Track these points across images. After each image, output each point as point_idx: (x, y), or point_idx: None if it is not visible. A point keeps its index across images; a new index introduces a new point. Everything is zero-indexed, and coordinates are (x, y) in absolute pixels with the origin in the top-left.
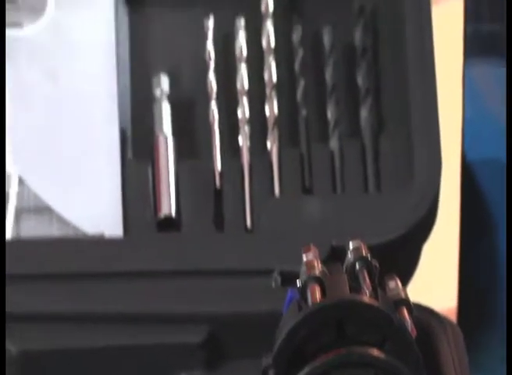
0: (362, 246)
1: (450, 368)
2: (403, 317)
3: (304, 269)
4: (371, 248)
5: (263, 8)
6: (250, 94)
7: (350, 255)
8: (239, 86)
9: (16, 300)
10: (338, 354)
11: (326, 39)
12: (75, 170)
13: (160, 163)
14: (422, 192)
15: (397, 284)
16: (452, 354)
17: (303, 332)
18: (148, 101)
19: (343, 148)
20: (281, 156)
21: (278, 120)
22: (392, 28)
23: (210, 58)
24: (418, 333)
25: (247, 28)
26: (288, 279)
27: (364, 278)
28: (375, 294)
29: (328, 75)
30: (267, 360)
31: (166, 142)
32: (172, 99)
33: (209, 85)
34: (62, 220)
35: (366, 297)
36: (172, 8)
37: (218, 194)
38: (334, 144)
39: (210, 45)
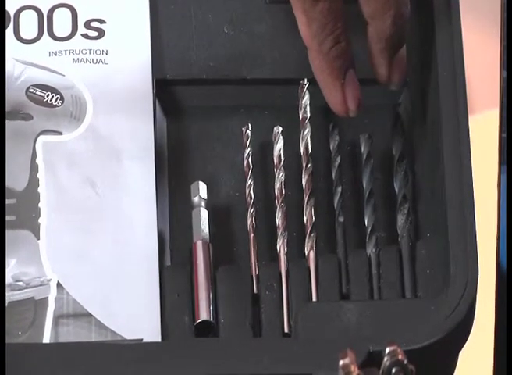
0: (399, 351)
1: None
2: None
3: (340, 373)
4: (407, 353)
5: (300, 115)
6: (287, 200)
7: (386, 360)
8: (276, 192)
9: None
10: None
11: (363, 146)
12: (114, 276)
13: (198, 269)
14: (459, 298)
15: None
16: None
17: None
18: (186, 208)
19: (380, 254)
20: (318, 262)
21: (315, 226)
22: (428, 136)
23: (248, 165)
24: None
25: (285, 135)
26: None
27: None
28: None
29: (365, 182)
30: None
31: (204, 248)
32: (209, 206)
33: (247, 192)
34: (100, 325)
35: None
36: (210, 115)
37: (255, 299)
38: (371, 250)
39: (248, 153)
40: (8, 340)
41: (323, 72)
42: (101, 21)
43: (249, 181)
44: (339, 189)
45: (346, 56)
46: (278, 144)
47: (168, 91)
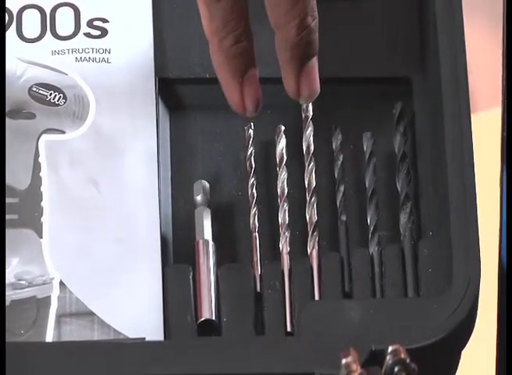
0: (401, 350)
1: None
2: None
3: (343, 372)
4: (409, 352)
5: (303, 114)
6: (290, 199)
7: (388, 359)
8: (279, 191)
9: None
10: None
11: (365, 145)
12: (116, 275)
13: (201, 268)
14: (461, 297)
15: None
16: None
17: None
18: (189, 207)
19: (383, 253)
20: (321, 260)
21: (318, 225)
22: (431, 135)
23: (250, 164)
24: None
25: (287, 134)
26: None
27: None
28: None
29: (368, 180)
30: None
31: (207, 247)
32: (212, 205)
33: (250, 191)
34: (103, 324)
35: None
36: (213, 115)
37: (258, 297)
38: (373, 248)
39: (250, 152)
40: (10, 339)
41: (222, 68)
42: (104, 20)
43: (251, 180)
44: (342, 188)
45: (246, 55)
46: (280, 143)
47: (170, 90)
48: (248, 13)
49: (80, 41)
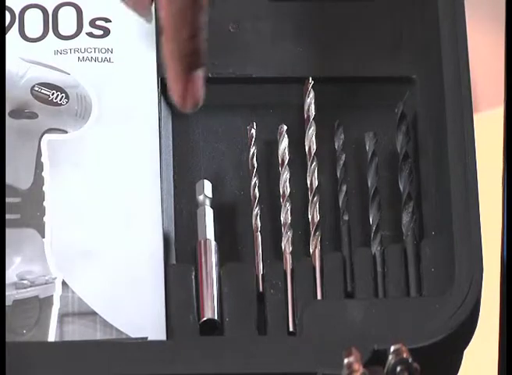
0: (403, 349)
1: None
2: None
3: (345, 372)
4: (412, 352)
5: (305, 114)
6: (292, 198)
7: (391, 358)
8: (281, 191)
9: None
10: None
11: (368, 145)
12: (119, 275)
13: (203, 267)
14: (463, 297)
15: None
16: None
17: None
18: (191, 206)
19: (385, 253)
20: (323, 260)
21: (320, 225)
22: (433, 134)
23: (253, 164)
24: None
25: (290, 134)
26: None
27: None
28: None
29: (370, 180)
30: None
31: (209, 247)
32: (214, 204)
33: (252, 190)
34: (105, 324)
35: None
36: (215, 114)
37: (260, 297)
38: (376, 248)
39: (253, 151)
40: (12, 338)
41: (173, 59)
42: (107, 20)
43: (254, 180)
44: (344, 187)
45: (198, 54)
46: (283, 143)
47: None
48: (205, 11)
49: (83, 40)
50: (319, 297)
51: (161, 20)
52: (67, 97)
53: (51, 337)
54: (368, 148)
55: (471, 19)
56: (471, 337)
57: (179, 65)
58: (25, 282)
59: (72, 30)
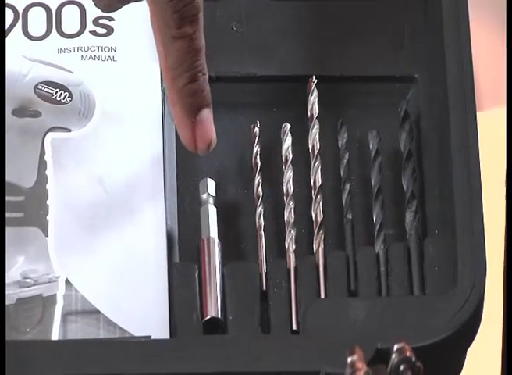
0: (407, 348)
1: None
2: None
3: (348, 370)
4: (415, 351)
5: (309, 113)
6: (296, 197)
7: (394, 357)
8: (285, 189)
9: None
10: None
11: (371, 143)
12: (122, 273)
13: (206, 266)
14: (467, 295)
15: None
16: None
17: None
18: (195, 205)
19: (388, 251)
20: (327, 259)
21: (323, 223)
22: (436, 133)
23: (256, 163)
24: None
25: (293, 132)
26: None
27: None
28: None
29: (374, 179)
30: None
31: (213, 245)
32: (218, 203)
33: (255, 189)
34: (109, 322)
35: None
36: (219, 113)
37: (264, 296)
38: (379, 247)
39: (256, 150)
40: (16, 337)
41: (176, 106)
42: (110, 18)
43: (257, 178)
44: (348, 186)
45: (200, 95)
46: (286, 142)
47: None
48: (204, 51)
49: (86, 39)
50: (323, 295)
51: (161, 68)
52: (70, 95)
53: (55, 335)
54: (371, 146)
55: (474, 18)
56: (474, 336)
57: (182, 110)
58: (28, 280)
59: (76, 28)
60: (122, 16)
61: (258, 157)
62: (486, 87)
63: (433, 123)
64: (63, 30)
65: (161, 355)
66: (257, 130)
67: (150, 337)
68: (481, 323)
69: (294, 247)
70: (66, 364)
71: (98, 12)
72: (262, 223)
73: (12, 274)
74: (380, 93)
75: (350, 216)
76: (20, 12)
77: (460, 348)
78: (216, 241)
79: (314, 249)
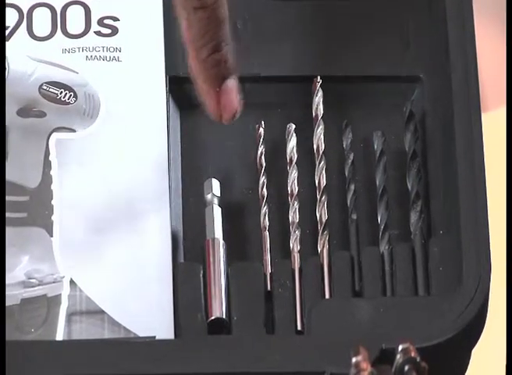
0: (411, 348)
1: None
2: None
3: (353, 371)
4: (420, 351)
5: (313, 113)
6: (300, 197)
7: (399, 357)
8: (289, 190)
9: None
10: None
11: (376, 143)
12: (127, 274)
13: (211, 266)
14: (471, 296)
15: None
16: None
17: None
18: (200, 205)
19: (393, 252)
20: (331, 259)
21: (328, 224)
22: (441, 133)
23: (261, 163)
24: None
25: (298, 133)
26: None
27: None
28: None
29: (378, 179)
30: None
31: (217, 245)
32: (223, 203)
33: (260, 189)
34: (113, 323)
35: None
36: None
37: (268, 296)
38: (384, 247)
39: (261, 150)
40: (20, 337)
41: (200, 77)
42: (115, 18)
43: (262, 179)
44: (352, 186)
45: (224, 65)
46: (291, 142)
47: (181, 88)
48: (227, 21)
49: (91, 39)
50: (327, 296)
51: (183, 39)
52: (75, 95)
53: (59, 335)
54: (376, 146)
55: (479, 18)
56: (479, 336)
57: (207, 81)
58: (33, 281)
59: (81, 28)
60: (126, 17)
61: (263, 157)
62: (491, 88)
63: (438, 123)
64: (68, 31)
65: (166, 355)
66: (261, 130)
67: (154, 337)
68: (486, 323)
69: (299, 247)
70: (71, 364)
71: (103, 13)
72: (267, 224)
73: (16, 274)
74: (385, 93)
75: (354, 217)
76: (25, 12)
77: (464, 348)
78: (221, 241)
79: (319, 249)
